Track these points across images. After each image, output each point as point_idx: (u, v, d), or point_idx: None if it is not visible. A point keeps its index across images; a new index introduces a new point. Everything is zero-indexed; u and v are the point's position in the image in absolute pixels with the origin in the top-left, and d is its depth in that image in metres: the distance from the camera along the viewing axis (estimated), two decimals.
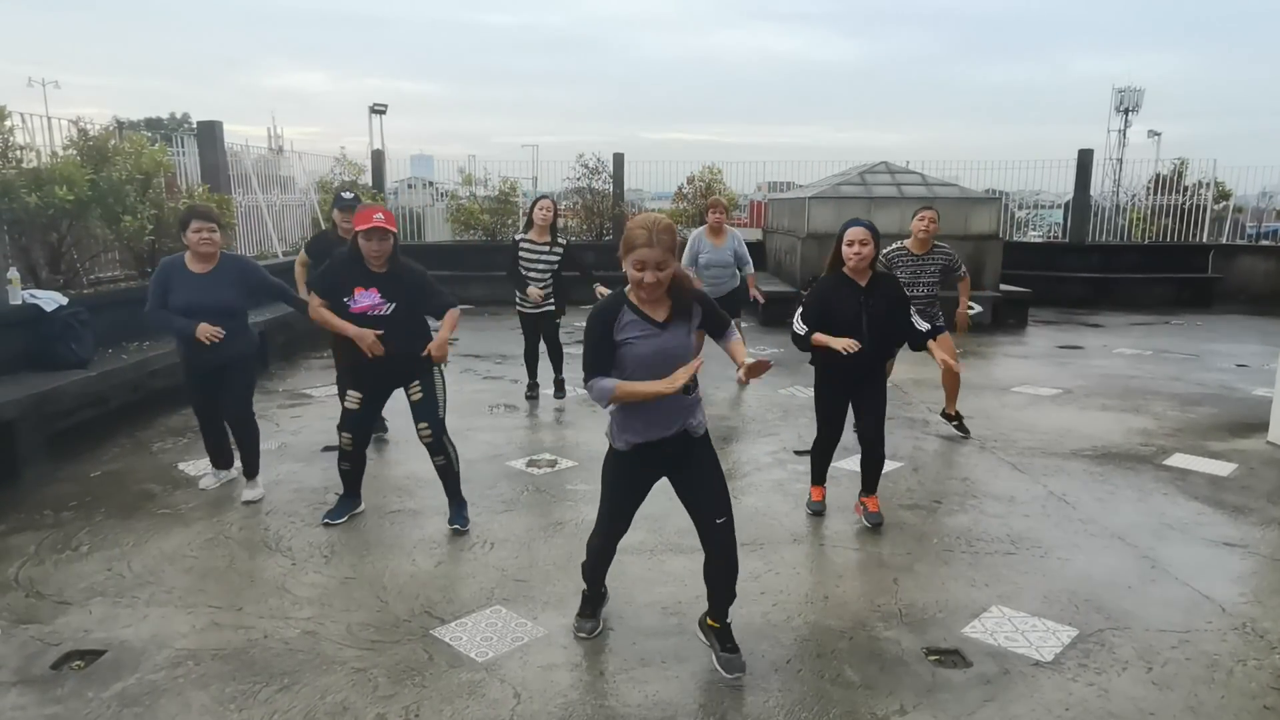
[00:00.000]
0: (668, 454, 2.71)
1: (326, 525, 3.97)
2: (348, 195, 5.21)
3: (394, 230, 3.77)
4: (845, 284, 3.79)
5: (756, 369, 2.56)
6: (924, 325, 3.97)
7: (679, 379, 2.47)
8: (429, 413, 3.91)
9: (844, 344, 3.64)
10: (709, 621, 2.87)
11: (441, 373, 3.98)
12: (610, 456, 2.79)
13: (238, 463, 4.46)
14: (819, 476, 4.22)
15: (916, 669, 2.84)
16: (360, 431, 3.96)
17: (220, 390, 4.29)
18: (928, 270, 5.28)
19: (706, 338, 2.91)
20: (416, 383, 3.90)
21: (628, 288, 2.60)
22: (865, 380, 3.92)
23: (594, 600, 3.01)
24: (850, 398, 4.00)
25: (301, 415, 6.02)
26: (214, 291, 4.06)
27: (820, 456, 4.16)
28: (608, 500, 2.84)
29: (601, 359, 2.56)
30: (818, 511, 4.18)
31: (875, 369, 3.91)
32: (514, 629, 3.08)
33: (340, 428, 3.96)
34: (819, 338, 3.74)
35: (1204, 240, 13.51)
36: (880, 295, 3.79)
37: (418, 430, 3.93)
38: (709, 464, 2.77)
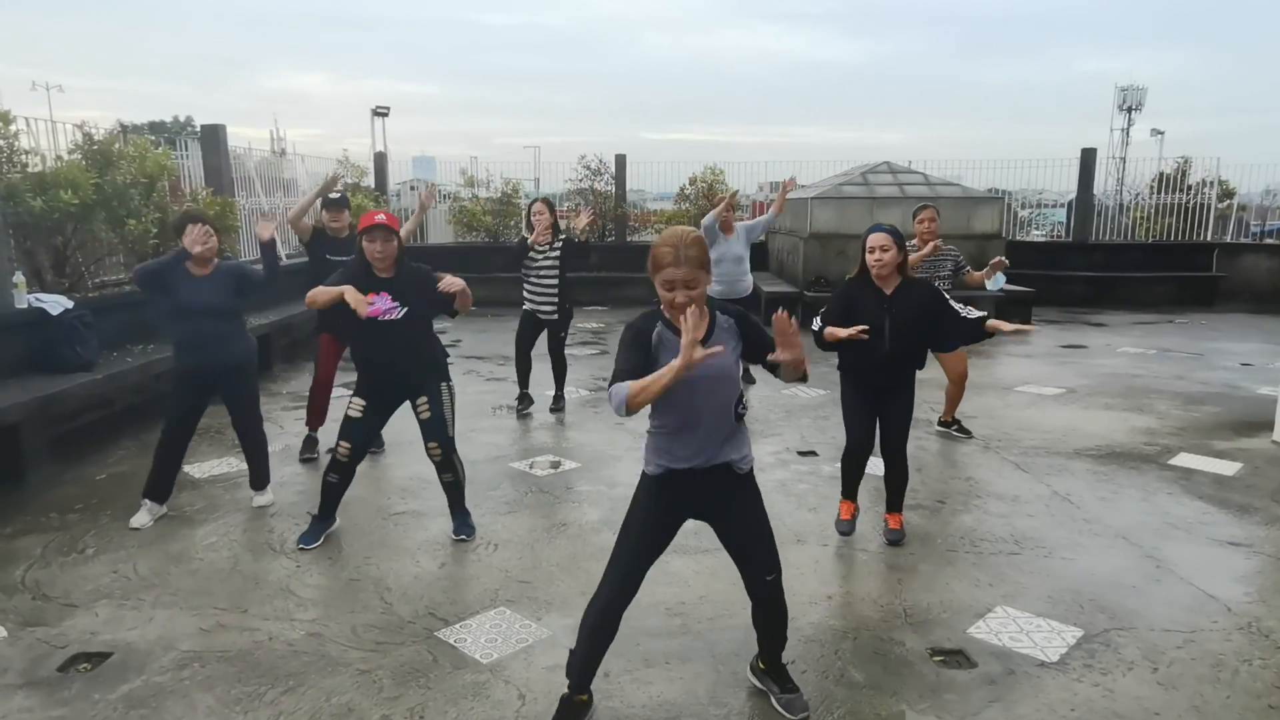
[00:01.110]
0: (705, 489, 2.45)
1: (301, 550, 3.78)
2: (335, 194, 5.24)
3: (396, 230, 3.73)
4: (870, 290, 3.66)
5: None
6: (974, 314, 3.84)
7: (692, 353, 2.14)
8: (439, 431, 3.83)
9: (849, 332, 3.52)
10: (760, 665, 2.70)
11: (450, 389, 3.90)
12: (640, 486, 2.52)
13: (165, 506, 4.21)
14: (849, 489, 3.91)
15: (921, 669, 2.84)
16: (360, 442, 3.81)
17: (213, 402, 4.27)
18: (941, 270, 5.28)
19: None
20: (424, 399, 3.82)
21: (662, 305, 2.38)
22: (891, 391, 3.76)
23: (578, 711, 2.51)
24: (877, 407, 3.80)
25: (305, 418, 6.02)
26: (210, 294, 4.03)
27: (850, 465, 3.88)
28: (625, 539, 2.49)
29: (629, 366, 2.29)
30: (845, 532, 3.86)
31: (902, 378, 3.76)
32: (518, 630, 3.08)
33: (340, 436, 3.82)
34: (829, 331, 3.62)
35: (1208, 239, 13.47)
36: (906, 302, 3.63)
37: (427, 449, 3.87)
38: (755, 511, 2.51)
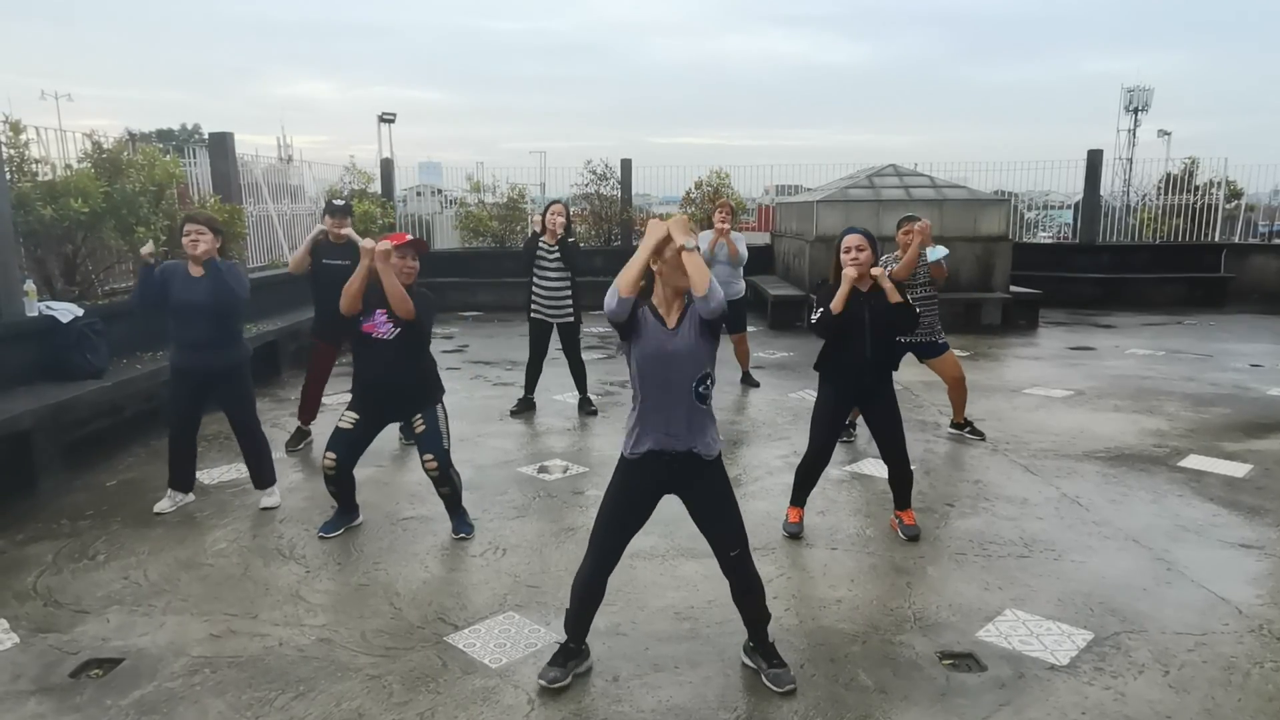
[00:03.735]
0: (676, 471, 2.68)
1: (322, 539, 3.94)
2: (338, 201, 5.37)
3: (425, 250, 3.85)
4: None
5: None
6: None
7: (668, 228, 2.52)
8: (434, 445, 3.87)
9: (849, 275, 3.66)
10: (750, 644, 2.86)
11: (444, 407, 3.99)
12: (618, 469, 2.77)
13: (192, 495, 4.46)
14: (798, 498, 4.06)
15: (930, 673, 2.83)
16: (346, 454, 3.87)
17: (210, 406, 4.37)
18: (920, 274, 5.25)
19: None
20: (419, 416, 3.89)
21: (652, 296, 2.68)
22: (873, 394, 3.87)
23: (569, 653, 2.80)
24: (860, 413, 3.94)
25: (314, 422, 6.04)
26: (200, 294, 4.08)
27: (804, 475, 4.02)
28: (604, 517, 2.77)
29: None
30: (794, 534, 3.97)
31: (882, 379, 3.87)
32: (527, 635, 3.09)
33: (327, 446, 3.88)
34: (835, 302, 3.69)
35: (1216, 239, 13.43)
36: (880, 299, 3.75)
37: (423, 463, 3.90)
38: (721, 492, 2.75)
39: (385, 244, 3.66)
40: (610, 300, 2.53)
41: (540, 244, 6.09)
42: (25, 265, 5.80)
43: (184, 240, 4.10)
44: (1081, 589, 3.42)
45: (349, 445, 3.88)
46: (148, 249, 4.12)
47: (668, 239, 2.54)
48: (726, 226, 6.72)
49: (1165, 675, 2.80)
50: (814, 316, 3.82)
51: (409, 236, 3.85)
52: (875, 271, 3.73)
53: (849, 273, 3.68)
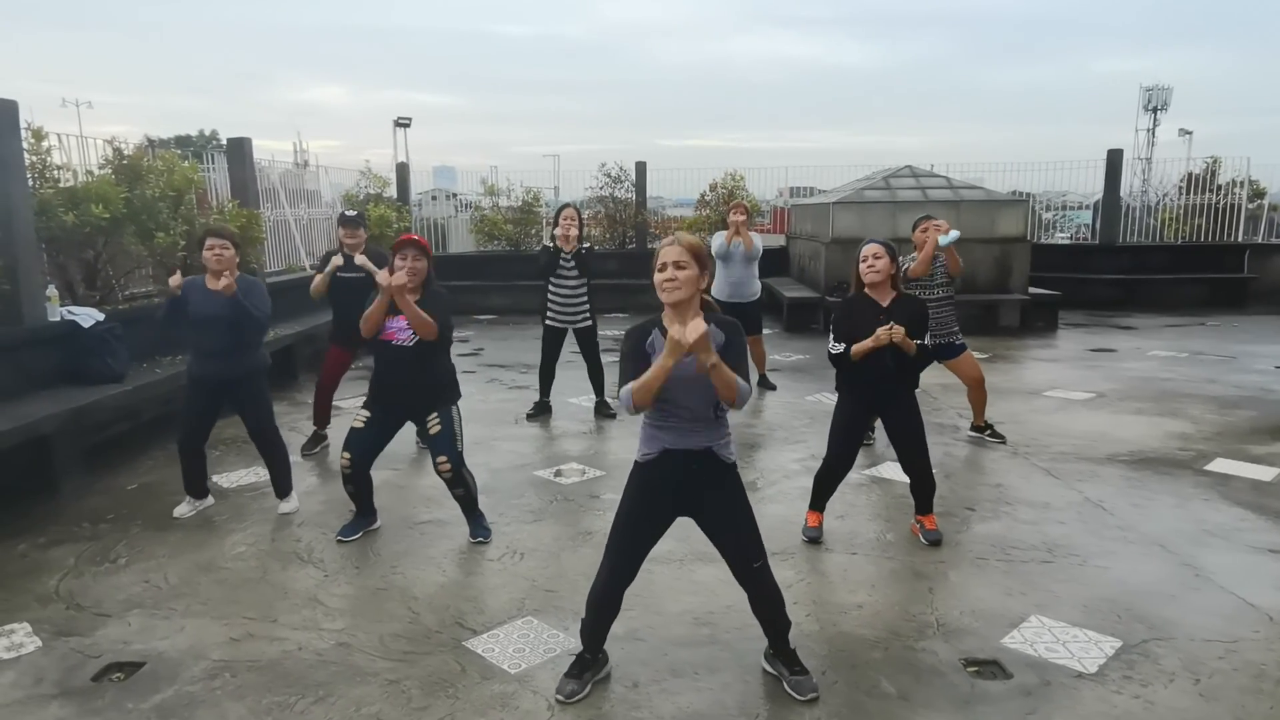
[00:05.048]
0: (692, 472, 2.62)
1: (340, 542, 3.96)
2: (350, 213, 5.38)
3: (424, 247, 3.81)
4: (866, 303, 3.80)
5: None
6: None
7: (686, 338, 2.32)
8: (448, 446, 3.87)
9: (879, 333, 3.61)
10: (770, 652, 2.83)
11: (458, 408, 3.99)
12: (631, 476, 2.71)
13: (210, 498, 4.52)
14: (818, 502, 4.03)
15: (954, 680, 2.79)
16: (361, 454, 3.89)
17: (227, 412, 4.41)
18: (937, 275, 5.23)
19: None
20: (435, 415, 3.88)
21: (663, 314, 2.59)
22: (893, 404, 3.85)
23: (585, 664, 2.77)
24: (880, 422, 3.91)
25: (331, 426, 6.06)
26: (218, 306, 4.11)
27: (823, 482, 4.00)
28: (619, 528, 2.71)
29: (632, 372, 2.53)
30: (813, 539, 3.93)
31: (902, 391, 3.84)
32: (545, 640, 3.07)
33: (343, 446, 3.91)
34: (856, 349, 3.71)
35: (1239, 239, 13.26)
36: (901, 315, 3.72)
37: (435, 464, 3.89)
38: (738, 501, 2.69)
39: (401, 276, 3.63)
40: (625, 406, 2.50)
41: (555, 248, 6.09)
42: (47, 271, 5.85)
43: (207, 254, 4.12)
44: (1107, 595, 3.37)
45: (364, 444, 3.90)
46: (176, 280, 4.17)
47: (684, 347, 2.34)
48: (743, 218, 6.70)
49: (1195, 684, 2.75)
50: (832, 347, 3.80)
51: (407, 237, 3.82)
52: (897, 339, 3.62)
53: (880, 336, 3.61)
